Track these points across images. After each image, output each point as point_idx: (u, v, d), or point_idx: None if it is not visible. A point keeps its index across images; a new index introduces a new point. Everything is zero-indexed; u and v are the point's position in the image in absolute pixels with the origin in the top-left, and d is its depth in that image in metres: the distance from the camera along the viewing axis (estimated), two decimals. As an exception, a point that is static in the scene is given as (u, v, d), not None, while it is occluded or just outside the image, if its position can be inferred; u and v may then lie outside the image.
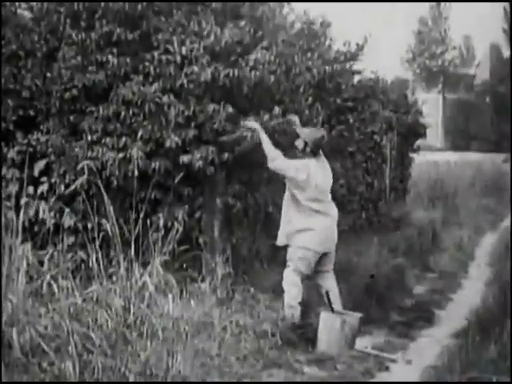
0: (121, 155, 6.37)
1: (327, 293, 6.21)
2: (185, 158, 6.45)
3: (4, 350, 4.45)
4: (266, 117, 6.66)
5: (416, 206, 14.34)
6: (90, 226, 6.01)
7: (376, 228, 11.16)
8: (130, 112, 6.44)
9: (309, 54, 7.82)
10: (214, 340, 5.44)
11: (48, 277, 5.25)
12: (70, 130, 6.67)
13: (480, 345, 5.75)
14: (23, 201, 6.11)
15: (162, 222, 6.09)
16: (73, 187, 6.26)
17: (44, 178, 6.59)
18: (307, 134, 6.43)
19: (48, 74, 6.62)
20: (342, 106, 10.36)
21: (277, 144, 6.54)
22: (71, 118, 6.64)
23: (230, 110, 6.54)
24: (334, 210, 6.45)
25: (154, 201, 6.56)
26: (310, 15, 9.50)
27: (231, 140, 6.62)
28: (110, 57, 6.46)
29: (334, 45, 9.93)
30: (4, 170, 6.54)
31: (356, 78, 11.01)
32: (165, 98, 6.43)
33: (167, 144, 6.40)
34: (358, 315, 6.09)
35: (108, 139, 6.44)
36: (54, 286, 5.19)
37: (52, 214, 6.43)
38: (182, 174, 6.37)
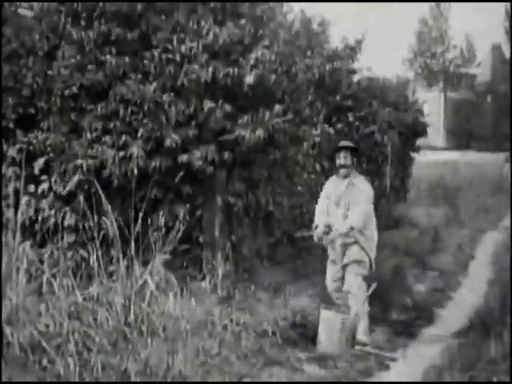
0: (121, 154, 6.36)
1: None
2: (184, 158, 6.43)
3: (4, 348, 4.45)
4: (267, 115, 6.64)
5: (417, 205, 14.33)
6: (90, 224, 5.99)
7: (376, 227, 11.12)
8: (129, 110, 6.42)
9: (309, 53, 7.81)
10: (214, 339, 5.43)
11: (48, 275, 5.25)
12: (71, 128, 6.66)
13: (480, 344, 5.75)
14: (23, 199, 6.10)
15: (162, 221, 6.08)
16: (68, 187, 6.25)
17: (44, 177, 6.59)
18: None
19: (49, 72, 6.61)
20: (342, 104, 10.35)
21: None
22: (72, 116, 6.63)
23: (228, 108, 6.51)
24: None
25: (155, 200, 6.55)
26: (309, 14, 9.54)
27: (230, 139, 6.60)
28: (108, 56, 6.45)
29: (334, 43, 9.99)
30: (4, 168, 6.53)
31: (356, 77, 11.01)
32: (165, 97, 6.41)
33: (167, 143, 6.39)
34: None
35: (108, 137, 6.42)
36: (55, 285, 5.19)
37: (52, 212, 6.42)
38: (181, 173, 6.33)
